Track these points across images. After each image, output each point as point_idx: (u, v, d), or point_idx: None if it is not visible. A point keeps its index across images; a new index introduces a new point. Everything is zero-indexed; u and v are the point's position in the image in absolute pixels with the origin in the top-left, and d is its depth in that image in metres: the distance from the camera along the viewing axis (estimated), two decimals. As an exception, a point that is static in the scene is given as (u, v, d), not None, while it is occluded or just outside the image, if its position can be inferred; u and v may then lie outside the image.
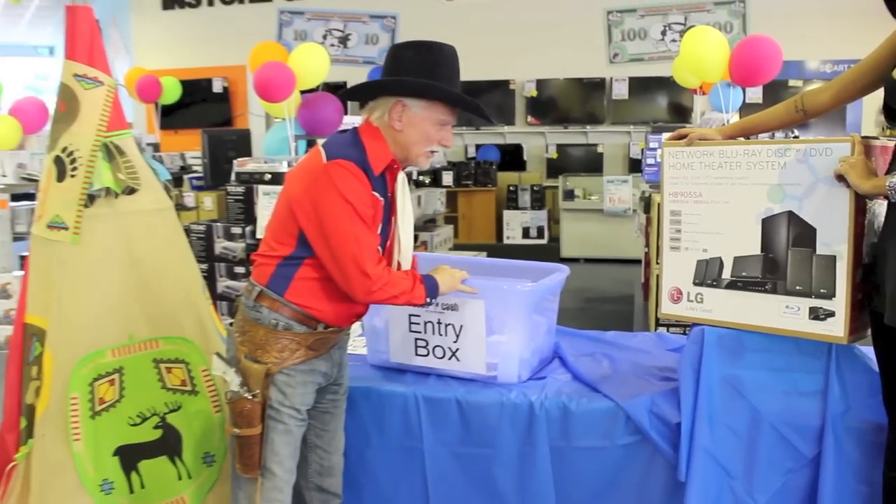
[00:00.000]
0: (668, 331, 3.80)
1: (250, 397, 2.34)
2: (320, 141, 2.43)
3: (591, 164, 10.35)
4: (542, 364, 2.92)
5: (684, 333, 3.38)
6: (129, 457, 2.81)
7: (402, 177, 2.50)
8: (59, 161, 2.77)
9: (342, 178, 2.27)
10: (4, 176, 6.89)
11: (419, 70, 2.36)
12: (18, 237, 6.73)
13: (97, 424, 2.74)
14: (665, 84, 9.61)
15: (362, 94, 2.48)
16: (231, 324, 2.49)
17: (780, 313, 2.41)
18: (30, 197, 7.51)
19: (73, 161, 2.75)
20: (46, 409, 2.68)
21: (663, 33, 10.01)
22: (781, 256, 2.40)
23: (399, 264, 2.52)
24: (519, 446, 2.65)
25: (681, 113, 9.92)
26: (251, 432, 2.36)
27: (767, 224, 2.42)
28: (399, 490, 2.78)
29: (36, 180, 6.95)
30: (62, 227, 2.74)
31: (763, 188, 2.42)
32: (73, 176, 2.74)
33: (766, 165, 2.41)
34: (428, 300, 2.46)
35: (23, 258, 6.64)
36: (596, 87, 10.31)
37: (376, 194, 2.36)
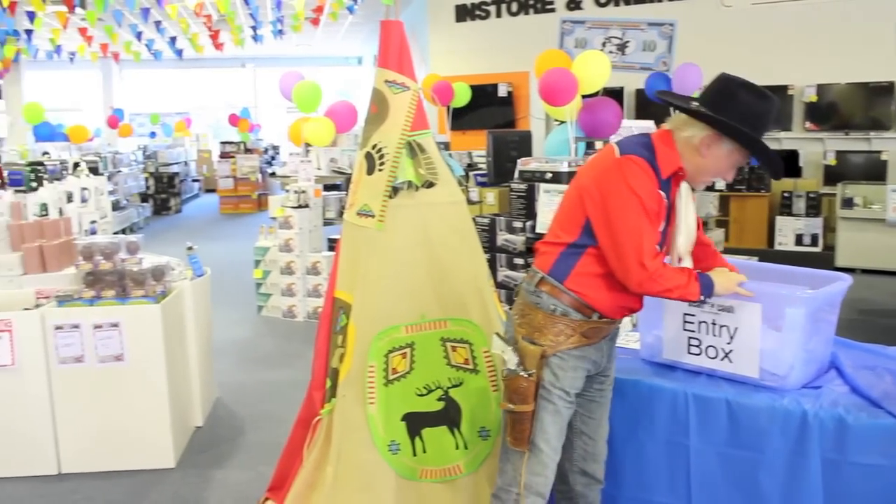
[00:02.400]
0: (959, 350, 3.37)
1: (526, 376, 2.38)
2: (598, 143, 2.42)
3: (873, 171, 9.43)
4: (818, 373, 2.70)
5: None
6: (415, 423, 2.95)
7: (685, 185, 2.45)
8: (369, 157, 2.95)
9: (633, 172, 2.29)
10: (319, 169, 7.46)
11: (750, 115, 2.31)
12: (327, 222, 7.29)
13: (389, 392, 2.90)
14: (965, 87, 8.56)
15: (683, 109, 2.41)
16: (510, 308, 2.54)
17: None
18: (337, 188, 8.10)
19: (381, 157, 2.92)
20: (348, 373, 2.88)
21: (967, 32, 8.88)
22: None
23: None
24: (788, 454, 2.47)
25: (981, 118, 8.77)
26: (524, 408, 2.39)
27: None
28: (661, 482, 2.70)
29: (344, 173, 7.50)
30: (370, 214, 2.92)
31: None
32: (380, 170, 2.91)
33: None
34: (702, 298, 2.38)
35: (331, 240, 7.20)
36: (882, 91, 9.36)
37: (662, 193, 2.34)
